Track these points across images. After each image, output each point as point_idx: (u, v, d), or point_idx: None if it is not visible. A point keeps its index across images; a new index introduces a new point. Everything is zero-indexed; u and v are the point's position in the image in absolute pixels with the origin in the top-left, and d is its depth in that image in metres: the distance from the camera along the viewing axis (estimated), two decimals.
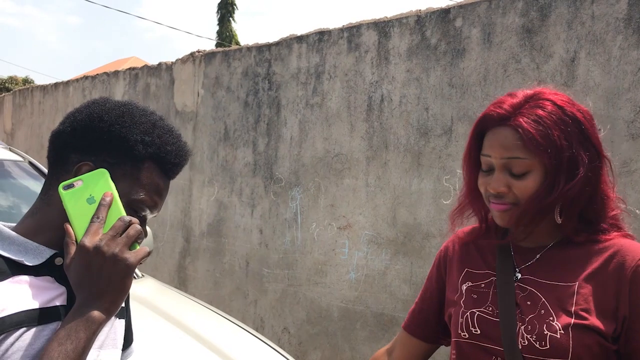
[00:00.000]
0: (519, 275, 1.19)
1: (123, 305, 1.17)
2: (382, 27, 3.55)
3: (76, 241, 0.96)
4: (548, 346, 1.09)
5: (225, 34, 29.73)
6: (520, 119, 1.13)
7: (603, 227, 1.17)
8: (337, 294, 3.71)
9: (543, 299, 1.13)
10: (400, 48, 3.44)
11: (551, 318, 1.11)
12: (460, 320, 1.21)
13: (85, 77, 6.31)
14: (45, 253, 1.00)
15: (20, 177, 3.06)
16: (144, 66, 5.51)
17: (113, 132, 1.02)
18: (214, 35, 31.13)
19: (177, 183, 5.03)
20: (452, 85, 3.21)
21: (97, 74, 6.13)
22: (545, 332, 1.10)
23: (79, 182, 0.99)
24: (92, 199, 0.98)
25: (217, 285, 4.57)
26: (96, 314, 0.92)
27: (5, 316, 0.90)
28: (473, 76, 3.13)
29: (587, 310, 1.10)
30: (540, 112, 1.13)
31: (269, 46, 4.25)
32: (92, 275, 0.93)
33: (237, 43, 28.47)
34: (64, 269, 0.96)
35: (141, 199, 1.03)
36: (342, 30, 3.77)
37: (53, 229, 1.00)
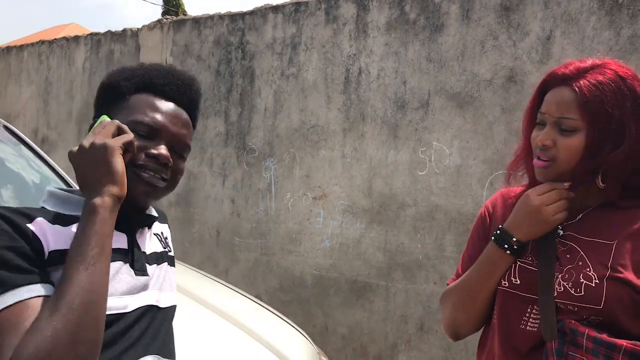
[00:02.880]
0: (561, 232, 1.29)
1: (172, 253, 1.29)
2: (361, 0, 3.59)
3: None
4: (582, 293, 1.18)
5: (172, 2, 28.92)
6: (582, 81, 1.21)
7: None
8: (311, 262, 3.80)
9: (582, 253, 1.23)
10: (379, 22, 3.50)
11: (588, 269, 1.20)
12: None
13: (42, 42, 6.08)
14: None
15: None
16: (107, 32, 5.36)
17: (104, 84, 1.20)
18: (159, 3, 30.20)
19: None
20: (430, 59, 3.30)
21: (55, 39, 5.91)
22: (581, 280, 1.19)
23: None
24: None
25: (186, 255, 4.57)
26: (96, 201, 1.00)
27: (54, 250, 1.03)
28: (451, 51, 3.23)
29: (623, 266, 1.18)
30: (601, 78, 1.21)
31: (242, 15, 4.23)
32: (84, 171, 1.04)
33: (184, 11, 27.71)
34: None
35: (135, 118, 1.14)
36: (319, 1, 3.79)
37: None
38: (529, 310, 1.26)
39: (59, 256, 1.00)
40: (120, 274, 1.09)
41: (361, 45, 3.57)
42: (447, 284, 1.47)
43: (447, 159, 3.25)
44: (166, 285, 1.20)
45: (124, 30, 5.18)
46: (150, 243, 1.22)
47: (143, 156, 1.11)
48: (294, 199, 3.89)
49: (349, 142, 3.62)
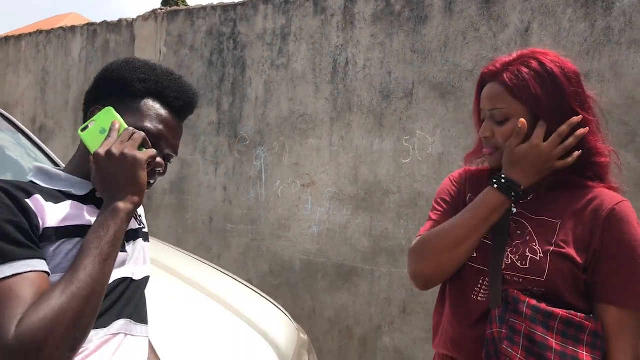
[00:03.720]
0: (515, 210, 1.40)
1: (147, 229, 1.37)
2: None
3: None
4: (527, 265, 1.29)
5: None
6: (504, 75, 1.34)
7: (589, 175, 1.37)
8: (299, 247, 3.91)
9: (530, 229, 1.34)
10: (366, 13, 3.59)
11: (534, 243, 1.31)
12: None
13: (39, 32, 6.17)
14: (89, 186, 1.22)
15: None
16: (102, 22, 5.45)
17: (114, 76, 1.23)
18: None
19: None
20: (414, 50, 3.40)
21: (52, 29, 6.00)
22: (527, 254, 1.30)
23: (92, 122, 1.19)
24: (103, 130, 1.17)
25: (180, 241, 4.69)
26: (120, 205, 1.09)
27: (62, 226, 1.11)
28: (434, 42, 3.32)
29: (565, 242, 1.30)
30: (522, 68, 1.33)
31: (234, 6, 4.32)
32: (109, 176, 1.11)
33: (184, 3, 27.70)
34: (91, 179, 1.18)
35: (144, 127, 1.20)
36: None
37: (85, 165, 1.23)
38: (480, 281, 1.37)
39: (51, 233, 1.08)
40: None
41: (348, 36, 3.67)
42: (418, 236, 1.52)
43: (430, 147, 3.35)
44: (140, 260, 1.29)
45: (120, 21, 5.27)
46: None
47: None
48: (283, 186, 4.00)
49: (336, 130, 3.73)
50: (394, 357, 3.51)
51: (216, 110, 4.42)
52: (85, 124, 1.20)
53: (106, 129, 1.17)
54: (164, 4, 26.09)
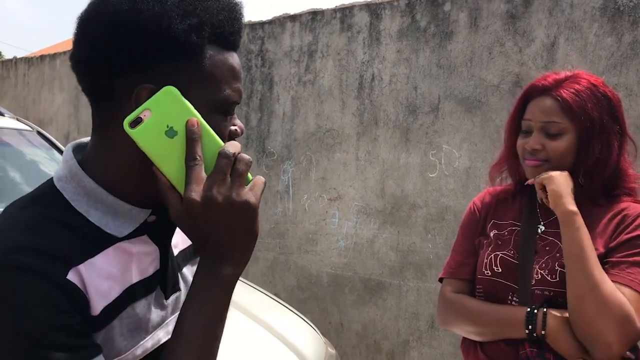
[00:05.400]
0: (543, 228, 1.43)
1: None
2: (374, 9, 3.73)
3: (171, 185, 0.78)
4: (557, 279, 1.33)
5: None
6: (561, 90, 1.37)
7: (618, 194, 1.40)
8: (326, 261, 3.94)
9: (560, 245, 1.36)
10: (391, 29, 3.64)
11: (563, 259, 1.34)
12: (485, 260, 1.44)
13: None
14: (138, 216, 0.84)
15: (28, 147, 3.17)
16: None
17: (148, 30, 0.75)
18: None
19: None
20: (440, 65, 3.42)
21: None
22: (556, 268, 1.34)
23: (146, 113, 0.76)
24: (171, 130, 0.77)
25: None
26: (229, 271, 0.78)
27: (107, 306, 0.79)
28: (460, 58, 3.35)
29: (595, 249, 1.31)
30: (577, 86, 1.37)
31: (262, 24, 4.40)
32: (215, 230, 0.76)
33: None
34: (170, 219, 0.78)
35: (224, 96, 0.81)
36: (335, 10, 3.94)
37: (130, 174, 0.81)
38: (510, 297, 1.39)
39: (98, 320, 0.78)
40: (152, 305, 0.88)
41: (374, 52, 3.71)
42: (441, 278, 1.58)
43: (457, 161, 3.36)
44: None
45: None
46: (176, 239, 0.95)
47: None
48: (310, 200, 4.05)
49: (362, 145, 3.76)
50: None
51: (245, 125, 4.49)
52: (134, 114, 0.76)
53: (176, 130, 0.77)
54: None
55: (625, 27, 2.79)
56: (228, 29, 0.81)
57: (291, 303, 4.11)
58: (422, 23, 3.51)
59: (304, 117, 4.09)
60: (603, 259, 1.31)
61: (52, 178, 0.85)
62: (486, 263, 1.44)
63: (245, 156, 0.78)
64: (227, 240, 0.77)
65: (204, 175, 0.76)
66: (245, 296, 2.48)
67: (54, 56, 6.63)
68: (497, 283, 1.41)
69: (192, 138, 0.76)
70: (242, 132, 0.88)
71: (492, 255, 1.44)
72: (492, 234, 1.49)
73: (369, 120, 3.73)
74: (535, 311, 1.31)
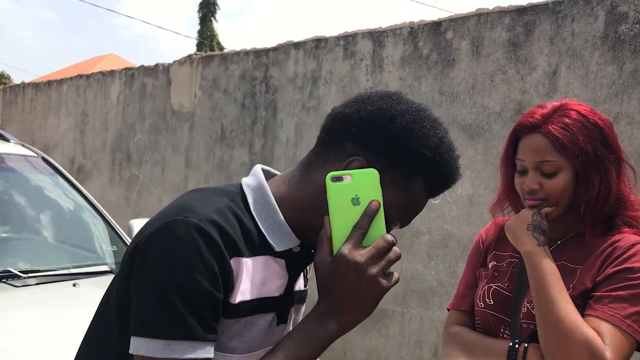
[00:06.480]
0: None
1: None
2: (377, 36, 3.77)
3: (330, 239, 0.92)
4: None
5: (206, 34, 29.72)
6: (550, 127, 1.32)
7: (618, 224, 1.36)
8: None
9: None
10: (394, 57, 3.67)
11: None
12: (480, 292, 1.43)
13: (80, 76, 6.43)
14: (292, 242, 0.97)
15: (32, 173, 3.18)
16: (140, 67, 5.66)
17: (399, 138, 0.94)
18: (194, 34, 31.05)
19: (172, 181, 5.20)
20: (443, 93, 3.44)
21: (92, 73, 6.25)
22: None
23: (348, 177, 0.92)
24: (356, 199, 0.92)
25: None
26: (336, 328, 0.90)
27: (246, 301, 0.91)
28: (462, 85, 3.36)
29: (582, 283, 1.30)
30: (566, 120, 1.33)
31: (266, 51, 4.45)
32: (344, 289, 0.89)
33: (218, 43, 28.45)
34: (314, 264, 0.93)
35: (399, 215, 0.97)
36: (338, 38, 3.98)
37: (301, 209, 0.96)
38: (502, 330, 1.38)
39: (234, 309, 0.90)
40: (271, 324, 0.98)
41: (377, 79, 3.74)
42: (448, 309, 1.58)
43: (460, 188, 3.36)
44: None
45: (156, 65, 5.46)
46: (299, 280, 1.06)
47: None
48: None
49: None
50: None
51: (248, 151, 4.52)
52: (339, 173, 0.92)
53: (360, 202, 0.91)
54: (198, 46, 26.82)
55: (627, 55, 2.80)
56: (442, 181, 0.99)
57: None
58: (425, 51, 3.53)
59: (308, 143, 4.11)
60: (590, 293, 1.29)
61: (240, 182, 1.00)
62: (480, 295, 1.44)
63: (398, 250, 0.92)
64: (348, 304, 0.89)
65: (361, 244, 0.90)
66: None
67: (60, 81, 6.71)
68: (489, 315, 1.40)
69: (367, 212, 0.91)
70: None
71: (486, 287, 1.43)
72: (490, 265, 1.48)
73: None
74: (517, 346, 1.30)
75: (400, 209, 0.96)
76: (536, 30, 3.09)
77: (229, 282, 0.88)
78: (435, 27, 3.50)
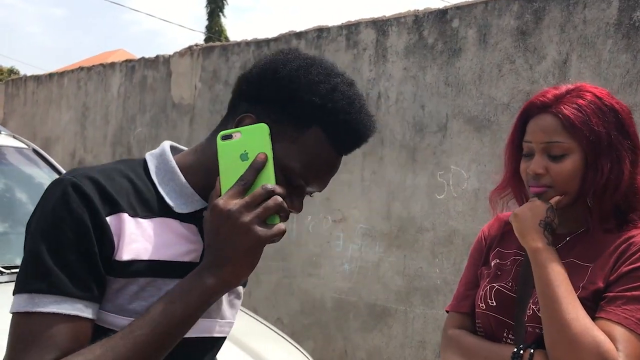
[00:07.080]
0: None
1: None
2: (381, 25, 3.64)
3: (220, 197, 0.88)
4: None
5: (214, 29, 29.65)
6: (562, 107, 1.22)
7: (633, 218, 1.24)
8: (330, 285, 3.81)
9: None
10: (398, 46, 3.54)
11: None
12: (481, 292, 1.31)
13: (81, 68, 6.34)
14: (197, 204, 0.95)
15: (23, 164, 3.11)
16: (140, 58, 5.56)
17: (282, 87, 0.91)
18: (202, 29, 30.99)
19: None
20: (448, 83, 3.31)
21: (93, 65, 6.16)
22: None
23: (237, 134, 0.90)
24: (245, 155, 0.89)
25: None
26: (213, 282, 0.85)
27: (137, 260, 0.88)
28: (468, 75, 3.23)
29: (593, 284, 1.19)
30: (580, 101, 1.21)
31: (267, 41, 4.33)
32: (219, 240, 0.85)
33: (227, 38, 28.38)
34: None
35: (293, 167, 0.91)
36: (341, 27, 3.86)
37: (204, 173, 0.95)
38: (505, 334, 1.27)
39: (122, 267, 0.87)
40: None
41: (380, 70, 3.61)
42: (446, 311, 1.47)
43: (465, 182, 3.23)
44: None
45: (157, 57, 5.36)
46: None
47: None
48: (314, 222, 3.92)
49: (367, 165, 3.65)
50: None
51: None
52: (229, 131, 0.91)
53: (249, 157, 0.89)
54: (206, 41, 26.79)
55: None
56: (343, 131, 0.92)
57: (294, 329, 3.97)
58: (430, 40, 3.40)
59: None
60: (602, 294, 1.18)
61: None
62: (481, 295, 1.32)
63: (280, 199, 0.85)
64: (225, 255, 0.85)
65: (241, 195, 0.86)
66: (237, 323, 2.36)
67: (62, 74, 6.62)
68: (491, 317, 1.29)
69: (252, 165, 0.87)
70: (295, 211, 0.94)
71: (488, 287, 1.31)
72: (493, 263, 1.36)
73: (375, 139, 3.61)
74: (521, 352, 1.19)
75: (299, 163, 0.91)
76: (546, 18, 2.95)
77: (108, 238, 0.86)
78: (441, 15, 3.37)
